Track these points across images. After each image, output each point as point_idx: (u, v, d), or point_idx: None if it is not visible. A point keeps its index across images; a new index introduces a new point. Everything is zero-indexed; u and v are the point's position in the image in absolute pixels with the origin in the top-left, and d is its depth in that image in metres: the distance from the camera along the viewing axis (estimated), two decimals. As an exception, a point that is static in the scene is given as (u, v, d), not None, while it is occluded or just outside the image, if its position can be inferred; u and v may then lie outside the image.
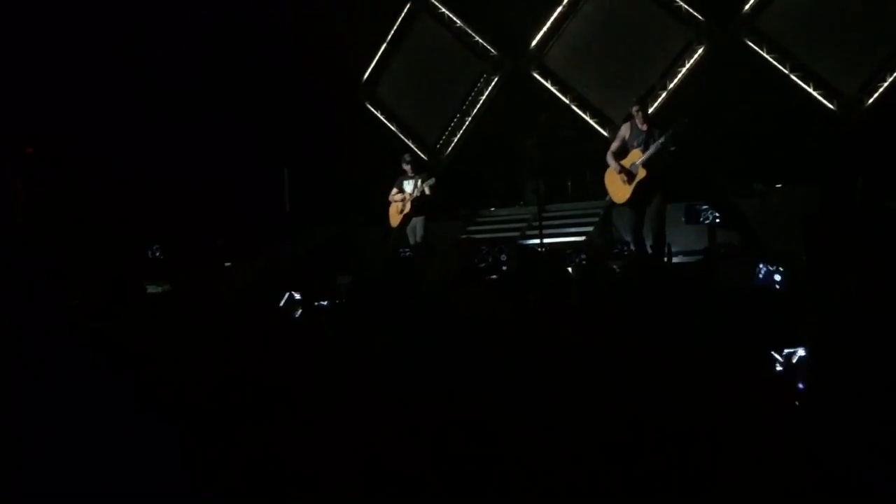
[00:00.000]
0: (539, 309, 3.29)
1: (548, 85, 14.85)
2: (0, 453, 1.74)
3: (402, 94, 16.50)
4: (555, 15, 14.71)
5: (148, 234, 11.30)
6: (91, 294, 4.83)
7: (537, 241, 10.63)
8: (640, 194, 8.55)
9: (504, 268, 7.94)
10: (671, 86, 13.69)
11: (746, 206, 10.42)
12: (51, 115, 11.71)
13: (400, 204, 11.02)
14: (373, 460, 1.92)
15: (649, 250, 8.64)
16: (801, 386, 2.44)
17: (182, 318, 3.75)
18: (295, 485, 1.92)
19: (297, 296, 5.60)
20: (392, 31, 16.28)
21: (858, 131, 12.10)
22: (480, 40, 15.42)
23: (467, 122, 15.84)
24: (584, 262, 7.80)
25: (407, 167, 11.19)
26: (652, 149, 8.34)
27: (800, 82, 12.72)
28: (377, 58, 16.49)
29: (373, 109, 16.64)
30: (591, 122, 14.49)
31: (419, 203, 10.84)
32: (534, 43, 14.93)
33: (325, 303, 5.73)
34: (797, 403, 2.39)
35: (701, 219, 10.23)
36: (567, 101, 14.64)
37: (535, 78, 14.98)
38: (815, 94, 12.64)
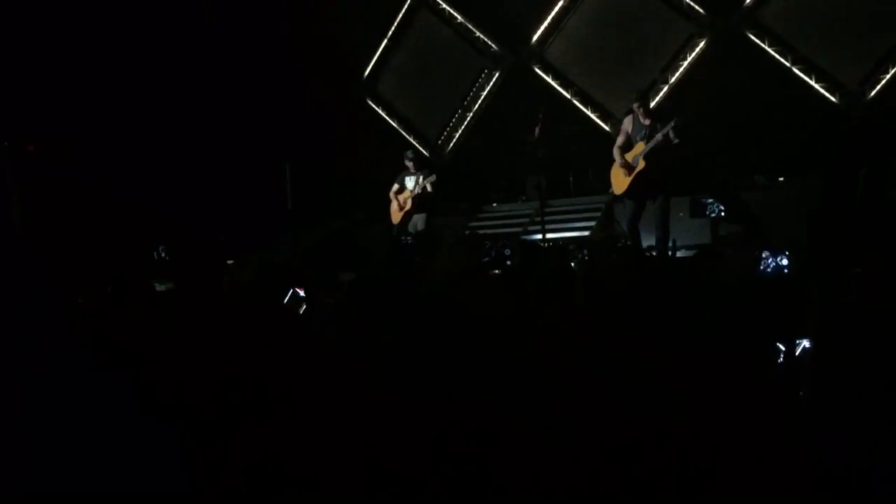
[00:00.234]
0: (541, 305, 3.28)
1: (549, 80, 14.84)
2: (0, 453, 1.75)
3: (404, 90, 16.49)
4: (556, 10, 14.69)
5: (152, 234, 11.32)
6: (96, 294, 4.84)
7: (539, 236, 10.63)
8: (639, 186, 8.55)
9: (508, 262, 7.94)
10: (673, 79, 13.67)
11: (749, 199, 10.42)
12: (50, 115, 11.72)
13: (401, 201, 11.02)
14: (373, 460, 1.92)
15: (649, 244, 8.66)
16: (802, 383, 2.44)
17: (185, 316, 3.76)
18: (295, 485, 1.93)
19: (301, 293, 5.61)
20: (393, 28, 16.26)
21: (861, 124, 12.08)
22: (481, 35, 15.40)
23: (468, 118, 15.83)
24: (586, 258, 7.80)
25: (409, 163, 11.19)
26: (653, 141, 8.35)
27: (802, 75, 12.69)
28: (378, 54, 16.48)
29: (374, 106, 16.63)
30: (592, 116, 14.48)
31: (420, 200, 10.85)
32: (535, 38, 14.92)
33: (328, 300, 5.74)
34: (799, 401, 2.39)
35: (707, 212, 10.24)
36: (568, 96, 14.62)
37: (537, 73, 14.97)
38: (817, 86, 12.62)
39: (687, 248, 9.62)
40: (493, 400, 1.97)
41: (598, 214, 11.75)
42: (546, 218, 10.78)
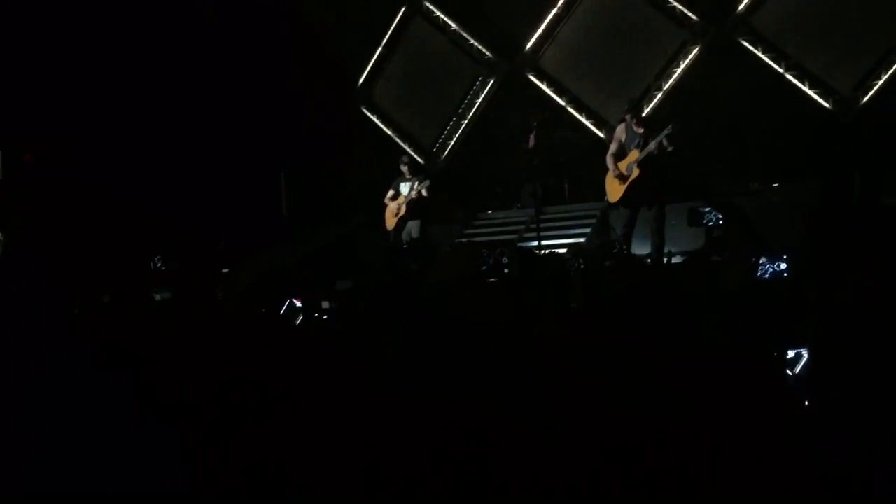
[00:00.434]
0: (539, 310, 3.29)
1: (543, 87, 14.87)
2: (0, 453, 1.75)
3: (398, 97, 16.51)
4: (550, 17, 14.73)
5: (148, 240, 11.28)
6: (93, 301, 4.83)
7: (535, 243, 10.63)
8: (633, 194, 8.58)
9: (506, 270, 7.94)
10: (666, 86, 13.71)
11: (743, 205, 10.44)
12: (48, 117, 11.71)
13: (395, 206, 11.01)
14: (373, 461, 1.92)
15: (645, 251, 8.68)
16: (803, 387, 2.45)
17: (183, 323, 3.76)
18: (295, 485, 1.93)
19: (298, 303, 5.60)
20: (387, 36, 16.28)
21: (854, 129, 12.13)
22: (476, 43, 15.43)
23: (463, 125, 15.85)
24: (581, 266, 7.81)
25: (405, 168, 11.19)
26: (647, 149, 8.38)
27: (795, 81, 12.74)
28: (372, 62, 16.50)
29: (368, 114, 16.64)
30: (587, 123, 14.51)
31: (415, 205, 10.83)
32: (529, 45, 14.95)
33: (326, 307, 5.73)
34: (799, 402, 2.40)
35: (704, 221, 10.25)
36: (563, 103, 14.66)
37: (531, 80, 15.00)
38: (810, 92, 12.67)
39: (682, 255, 9.64)
40: (493, 401, 1.97)
41: (594, 221, 11.75)
42: (541, 225, 10.78)
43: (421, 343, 2.20)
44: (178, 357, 2.63)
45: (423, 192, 10.77)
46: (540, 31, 14.82)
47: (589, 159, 12.33)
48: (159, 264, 10.61)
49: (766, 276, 5.68)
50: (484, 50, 15.40)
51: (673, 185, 9.15)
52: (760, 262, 5.86)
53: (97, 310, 4.68)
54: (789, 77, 12.77)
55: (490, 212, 13.97)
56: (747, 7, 13.06)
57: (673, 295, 2.72)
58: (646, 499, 1.86)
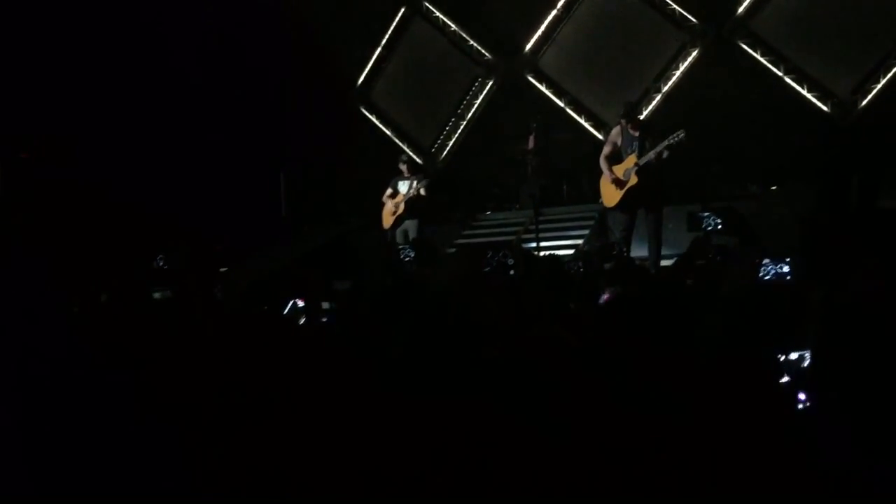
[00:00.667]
0: (540, 311, 3.29)
1: (542, 88, 14.89)
2: (0, 453, 1.75)
3: (398, 98, 16.52)
4: (549, 19, 14.75)
5: (147, 240, 11.27)
6: (92, 300, 4.83)
7: (534, 244, 10.63)
8: (630, 199, 8.55)
9: (511, 272, 7.91)
10: (665, 89, 13.73)
11: (742, 208, 10.43)
12: (47, 118, 11.71)
13: (393, 205, 10.99)
14: (373, 461, 1.92)
15: (642, 255, 8.67)
16: (803, 388, 2.45)
17: (183, 322, 3.75)
18: (295, 485, 1.93)
19: (301, 303, 5.57)
20: (387, 36, 16.30)
21: (853, 132, 12.15)
22: (475, 44, 15.45)
23: (462, 126, 15.86)
24: (580, 268, 7.80)
25: (403, 167, 11.18)
26: (646, 158, 8.32)
27: (794, 84, 12.77)
28: (372, 62, 16.51)
29: (367, 114, 16.64)
30: (586, 125, 14.53)
31: (413, 204, 10.81)
32: (528, 47, 14.97)
33: (326, 307, 5.71)
34: (799, 402, 2.40)
35: (703, 225, 10.24)
36: (562, 105, 14.67)
37: (530, 81, 15.01)
38: (809, 96, 12.69)
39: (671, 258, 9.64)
40: (494, 401, 1.97)
41: (592, 223, 11.75)
42: (540, 226, 10.78)
43: (422, 343, 2.20)
44: (178, 357, 2.63)
45: (422, 192, 10.75)
46: (539, 32, 14.84)
47: (588, 161, 12.33)
48: (161, 263, 10.59)
49: (769, 276, 5.68)
50: (483, 51, 15.41)
51: (670, 189, 9.14)
52: (763, 262, 5.86)
53: (97, 309, 4.68)
54: (788, 80, 12.79)
55: (488, 213, 13.96)
56: (747, 10, 13.08)
57: (673, 296, 2.73)
58: (646, 499, 1.86)
